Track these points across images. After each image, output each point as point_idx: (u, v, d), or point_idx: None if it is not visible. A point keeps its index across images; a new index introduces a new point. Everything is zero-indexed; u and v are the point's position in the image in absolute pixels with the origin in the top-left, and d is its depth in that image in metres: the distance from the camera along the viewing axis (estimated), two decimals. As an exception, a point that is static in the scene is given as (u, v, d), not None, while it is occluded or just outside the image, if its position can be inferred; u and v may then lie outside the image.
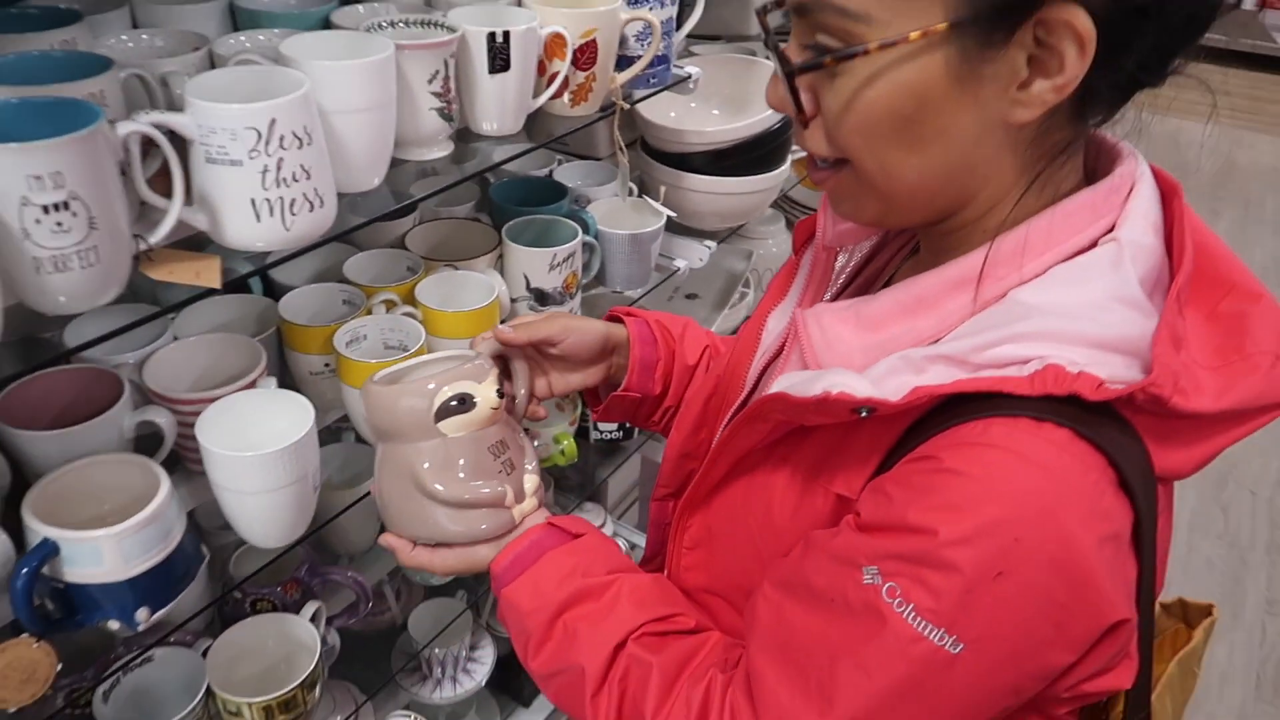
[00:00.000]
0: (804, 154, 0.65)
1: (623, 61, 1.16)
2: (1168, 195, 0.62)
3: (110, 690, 1.02)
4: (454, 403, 0.73)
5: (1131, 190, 0.60)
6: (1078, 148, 0.61)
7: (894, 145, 0.57)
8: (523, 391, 0.87)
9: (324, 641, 1.12)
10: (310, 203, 0.81)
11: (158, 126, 0.73)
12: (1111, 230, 0.59)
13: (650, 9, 1.13)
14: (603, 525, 1.70)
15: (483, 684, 1.51)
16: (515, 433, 0.82)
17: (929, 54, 0.54)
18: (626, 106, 1.16)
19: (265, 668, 1.11)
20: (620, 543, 1.72)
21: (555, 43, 1.04)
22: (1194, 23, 0.55)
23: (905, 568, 0.55)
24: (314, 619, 1.12)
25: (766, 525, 0.68)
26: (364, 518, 1.31)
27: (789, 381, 0.63)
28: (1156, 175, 0.63)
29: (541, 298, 1.23)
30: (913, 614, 0.54)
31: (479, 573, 0.78)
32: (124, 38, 0.95)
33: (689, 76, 1.27)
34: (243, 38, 0.98)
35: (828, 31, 0.55)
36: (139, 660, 1.05)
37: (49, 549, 0.78)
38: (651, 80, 1.22)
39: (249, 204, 0.78)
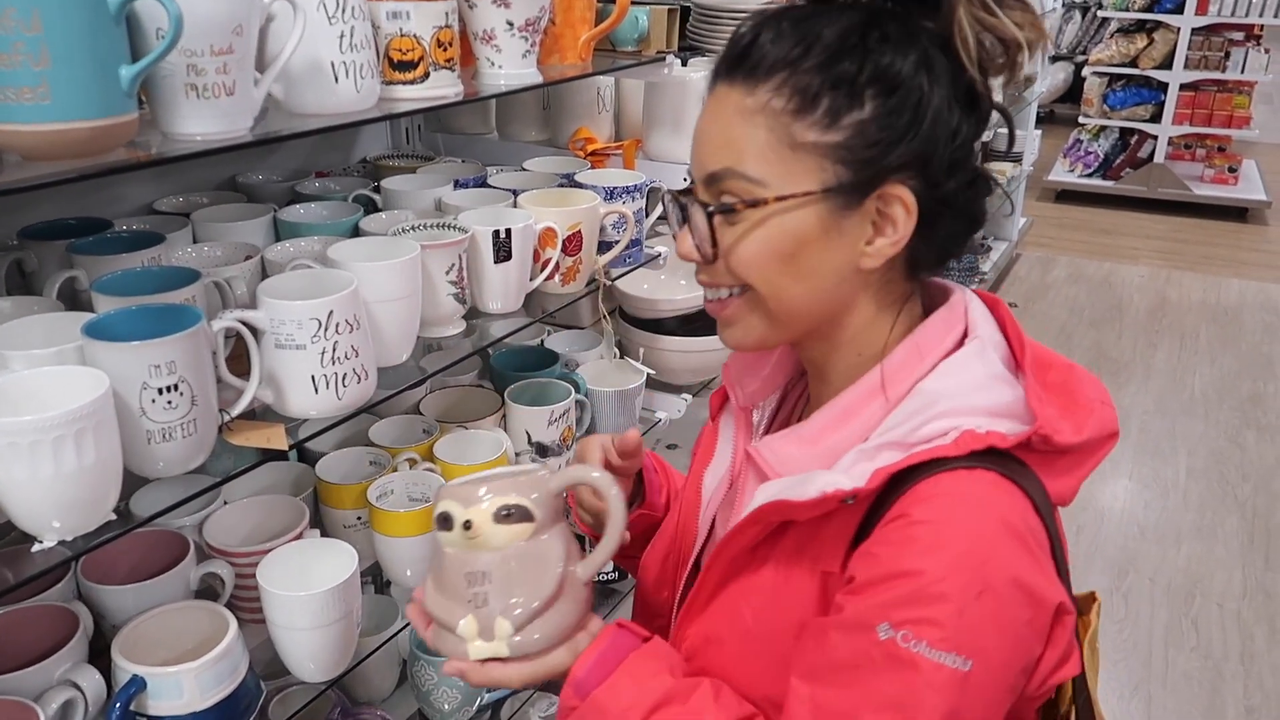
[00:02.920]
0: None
1: (603, 246, 1.37)
2: (992, 305, 0.81)
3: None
4: (440, 518, 0.72)
5: (967, 307, 0.79)
6: (917, 292, 0.80)
7: (781, 274, 0.74)
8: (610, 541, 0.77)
9: (358, 778, 1.21)
10: (358, 375, 0.99)
11: (240, 321, 0.91)
12: (965, 334, 0.77)
13: (624, 203, 1.36)
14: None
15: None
16: (529, 569, 0.73)
17: (806, 209, 0.71)
18: (608, 283, 1.37)
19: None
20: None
21: (548, 235, 1.25)
22: (971, 222, 0.77)
23: (908, 612, 0.66)
24: (348, 757, 1.22)
25: (761, 616, 0.77)
26: (388, 664, 1.42)
27: (773, 490, 0.74)
28: (980, 295, 0.82)
29: (542, 450, 1.40)
30: (927, 649, 0.65)
31: (554, 678, 0.75)
32: (190, 250, 1.14)
33: (659, 255, 1.49)
34: (289, 245, 1.18)
35: (732, 193, 0.73)
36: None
37: (138, 684, 0.90)
38: (628, 260, 1.43)
39: (309, 380, 0.96)
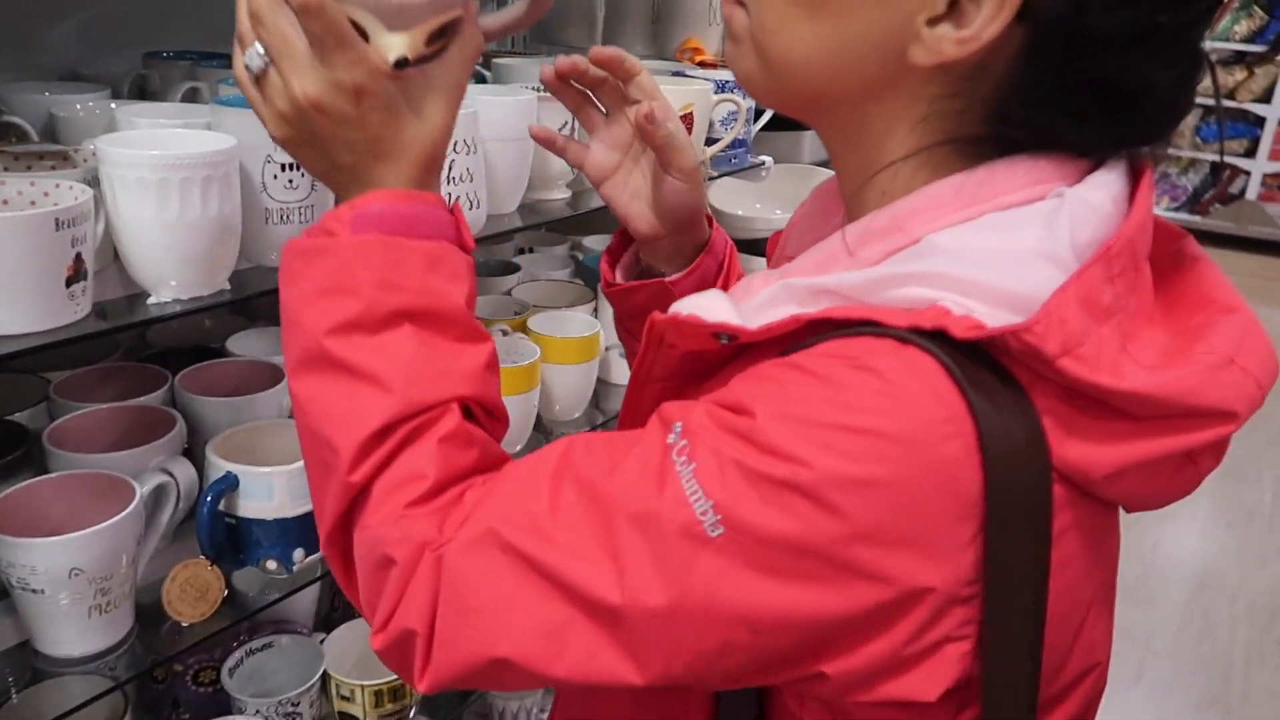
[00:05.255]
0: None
1: (708, 142, 1.35)
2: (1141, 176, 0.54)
3: (235, 668, 1.08)
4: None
5: (1100, 167, 0.52)
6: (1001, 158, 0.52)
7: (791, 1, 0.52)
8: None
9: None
10: (470, 201, 0.97)
11: (362, 123, 0.90)
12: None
13: (734, 93, 1.33)
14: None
15: (551, 747, 1.53)
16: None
17: None
18: (715, 174, 1.34)
19: (372, 664, 1.16)
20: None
21: (659, 113, 1.23)
22: (1111, 101, 0.49)
23: (708, 430, 0.48)
24: (418, 623, 1.19)
25: None
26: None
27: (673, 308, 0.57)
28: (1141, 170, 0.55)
29: (632, 347, 1.37)
30: (690, 476, 0.46)
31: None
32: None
33: (763, 163, 1.46)
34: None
35: None
36: (261, 646, 1.12)
37: (230, 480, 0.89)
38: (732, 160, 1.40)
39: (423, 196, 0.94)
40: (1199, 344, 0.51)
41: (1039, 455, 0.47)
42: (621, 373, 1.38)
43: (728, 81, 1.33)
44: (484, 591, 0.49)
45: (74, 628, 0.80)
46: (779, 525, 0.45)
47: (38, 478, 0.83)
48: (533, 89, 1.17)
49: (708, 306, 0.53)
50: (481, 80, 1.33)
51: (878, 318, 0.48)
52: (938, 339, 0.46)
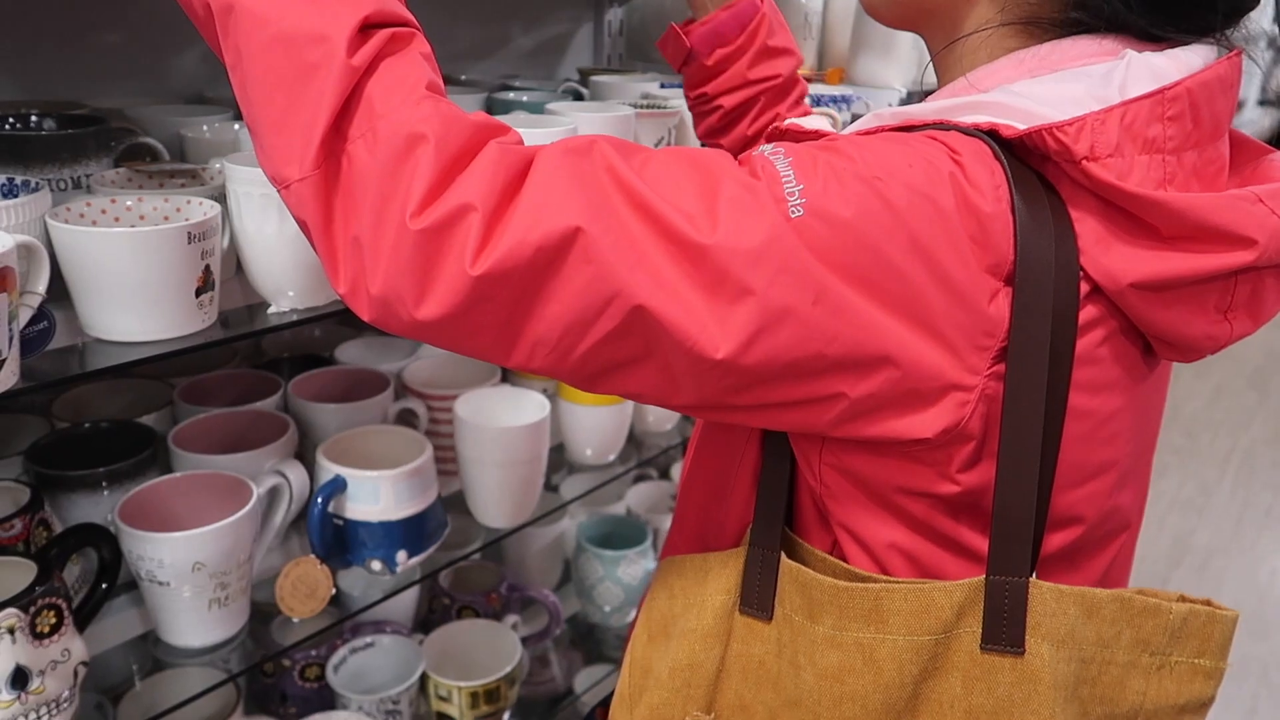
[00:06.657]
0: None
1: (804, 155, 1.35)
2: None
3: (339, 665, 1.13)
4: None
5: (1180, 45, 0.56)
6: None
7: None
8: None
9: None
10: (570, 215, 0.99)
11: (468, 140, 0.94)
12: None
13: (828, 107, 1.33)
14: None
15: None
16: None
17: None
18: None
19: (468, 666, 1.19)
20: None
21: (754, 127, 1.24)
22: None
23: (800, 146, 0.53)
24: (514, 628, 1.22)
25: None
26: (551, 559, 1.42)
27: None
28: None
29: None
30: (787, 165, 0.51)
31: None
32: (412, 114, 1.19)
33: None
34: (503, 118, 1.21)
35: None
36: (363, 644, 1.16)
37: (339, 483, 0.93)
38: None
39: (524, 211, 0.97)
40: (1235, 172, 0.56)
41: (1067, 246, 0.51)
42: (657, 414, 1.36)
43: (822, 96, 1.34)
44: (577, 195, 0.48)
45: (194, 619, 0.84)
46: (847, 213, 0.50)
47: (163, 477, 0.88)
48: (630, 105, 1.19)
49: (807, 120, 0.61)
50: (579, 97, 1.36)
51: (947, 120, 0.55)
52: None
